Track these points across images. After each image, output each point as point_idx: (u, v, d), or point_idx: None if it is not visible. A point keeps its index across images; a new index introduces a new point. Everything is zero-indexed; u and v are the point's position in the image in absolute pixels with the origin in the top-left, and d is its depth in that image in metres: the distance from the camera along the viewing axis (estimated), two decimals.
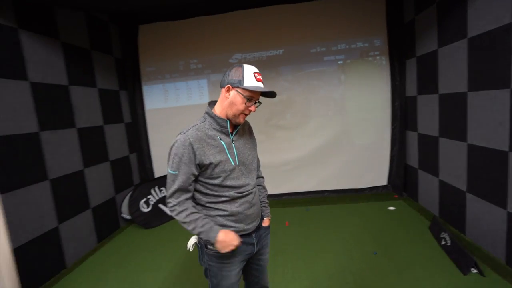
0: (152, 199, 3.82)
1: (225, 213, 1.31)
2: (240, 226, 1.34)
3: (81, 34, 3.34)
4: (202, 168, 1.26)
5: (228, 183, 1.29)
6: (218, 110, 1.32)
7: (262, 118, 4.20)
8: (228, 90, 1.28)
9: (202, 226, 1.24)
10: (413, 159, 3.76)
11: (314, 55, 4.05)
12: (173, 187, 1.24)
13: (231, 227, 1.32)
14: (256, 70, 1.30)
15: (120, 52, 4.11)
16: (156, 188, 3.91)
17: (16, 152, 2.42)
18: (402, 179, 3.97)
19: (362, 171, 4.19)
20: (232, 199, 1.31)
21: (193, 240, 1.41)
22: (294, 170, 4.26)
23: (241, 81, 1.25)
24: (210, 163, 1.25)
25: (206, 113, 1.33)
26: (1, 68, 2.33)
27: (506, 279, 2.11)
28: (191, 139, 1.23)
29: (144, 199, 3.74)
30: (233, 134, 1.35)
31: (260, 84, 1.28)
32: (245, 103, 1.27)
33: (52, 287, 2.54)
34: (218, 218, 1.31)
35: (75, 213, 3.01)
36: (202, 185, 1.30)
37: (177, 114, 4.31)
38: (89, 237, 3.22)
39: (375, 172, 4.19)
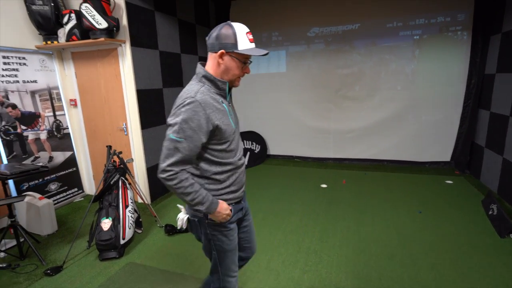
0: None
1: (227, 184, 1.27)
2: (237, 194, 1.32)
3: (190, 11, 4.16)
4: (212, 133, 1.17)
5: (232, 146, 1.26)
6: (213, 73, 1.21)
7: (332, 88, 4.62)
8: (221, 56, 1.15)
9: (204, 197, 1.18)
10: (481, 137, 3.80)
11: (390, 29, 4.19)
12: (176, 156, 1.12)
13: (231, 198, 1.30)
14: (247, 29, 1.17)
15: (215, 25, 4.88)
16: None
17: (150, 102, 3.43)
18: (467, 156, 4.04)
19: (425, 145, 4.35)
20: (235, 169, 1.28)
21: (183, 215, 1.35)
22: (357, 138, 4.65)
23: (235, 44, 1.13)
24: (220, 127, 1.17)
25: (204, 76, 1.20)
26: (145, 40, 3.28)
27: None
28: (203, 104, 1.12)
29: None
30: (229, 96, 1.30)
31: (253, 45, 1.18)
32: (241, 67, 1.19)
33: (166, 199, 3.63)
34: (221, 191, 1.27)
35: None
36: (209, 153, 1.21)
37: (257, 80, 5.00)
38: None
39: (439, 147, 4.31)
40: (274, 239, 2.60)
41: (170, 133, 1.12)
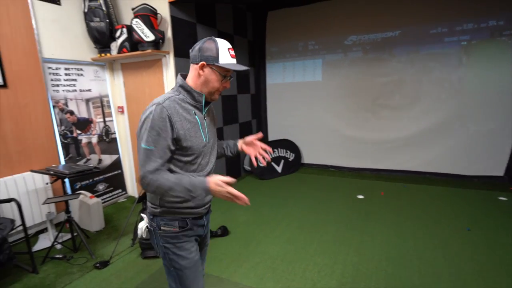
0: None
1: (184, 198, 1.15)
2: (196, 210, 1.25)
3: (228, 22, 4.33)
4: (176, 142, 1.14)
5: (199, 161, 1.22)
6: (192, 84, 1.20)
7: (369, 97, 4.50)
8: (202, 67, 1.16)
9: (189, 183, 1.10)
10: None
11: (434, 36, 4.01)
12: (150, 164, 1.09)
13: (187, 212, 1.23)
14: (229, 45, 1.19)
15: (252, 35, 5.03)
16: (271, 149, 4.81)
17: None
18: None
19: (474, 158, 4.05)
20: None
21: (143, 224, 1.31)
22: (396, 148, 4.46)
23: (216, 58, 1.14)
24: (186, 138, 1.15)
25: (181, 86, 1.20)
26: (185, 51, 3.46)
27: None
28: (169, 111, 1.11)
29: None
30: (206, 110, 1.26)
31: (234, 60, 1.20)
32: (221, 81, 1.19)
33: None
34: (176, 204, 1.21)
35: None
36: (173, 163, 1.18)
37: (293, 89, 5.03)
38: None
39: (490, 160, 3.99)
40: (310, 248, 2.56)
41: (142, 143, 1.10)
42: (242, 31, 4.70)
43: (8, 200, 2.38)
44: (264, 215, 3.31)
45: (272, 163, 4.77)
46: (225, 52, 1.15)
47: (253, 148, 1.46)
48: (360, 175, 4.59)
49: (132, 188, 4.10)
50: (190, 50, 1.20)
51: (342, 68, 4.64)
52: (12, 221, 2.32)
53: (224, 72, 1.17)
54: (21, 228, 2.40)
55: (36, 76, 2.98)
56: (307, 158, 5.18)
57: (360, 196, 3.72)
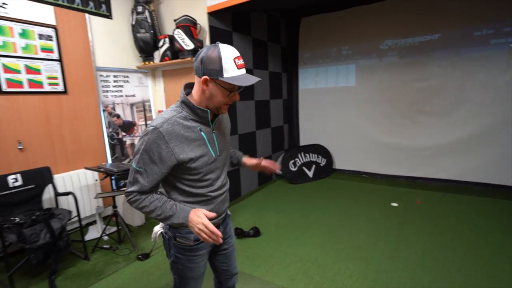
0: (299, 162, 4.78)
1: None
2: (213, 221, 1.14)
3: (262, 29, 4.46)
4: (180, 165, 1.09)
5: (208, 176, 1.16)
6: (196, 98, 1.11)
7: (405, 102, 4.37)
8: (205, 83, 1.05)
9: (170, 209, 1.09)
10: None
11: (478, 38, 3.82)
12: (135, 185, 1.07)
13: None
14: (236, 54, 1.07)
15: (285, 42, 5.13)
16: (302, 154, 4.84)
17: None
18: None
19: None
20: (209, 199, 1.20)
21: (158, 229, 1.31)
22: (435, 155, 4.28)
23: (219, 71, 1.02)
24: (191, 159, 1.09)
25: (182, 102, 1.12)
26: None
27: None
28: (167, 136, 1.04)
29: (293, 161, 4.74)
30: (214, 122, 1.17)
31: (242, 71, 1.07)
32: (228, 96, 1.09)
33: (236, 204, 3.87)
34: None
35: None
36: (179, 181, 1.14)
37: (325, 94, 5.03)
38: (253, 180, 4.48)
39: None
40: (341, 253, 2.57)
41: (133, 161, 1.08)
42: (275, 38, 4.81)
43: (67, 193, 2.68)
44: (295, 218, 3.35)
45: (303, 168, 4.80)
46: (230, 63, 1.03)
47: (263, 167, 1.43)
48: (395, 183, 4.46)
49: None
50: (194, 59, 1.11)
51: (376, 73, 4.56)
52: (70, 212, 2.60)
53: (229, 86, 1.05)
54: (74, 219, 2.68)
55: (90, 83, 3.31)
56: (339, 164, 5.13)
57: (394, 204, 3.62)
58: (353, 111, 4.83)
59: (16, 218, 2.38)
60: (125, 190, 1.13)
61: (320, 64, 5.02)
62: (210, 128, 1.16)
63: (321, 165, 4.92)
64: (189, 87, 1.17)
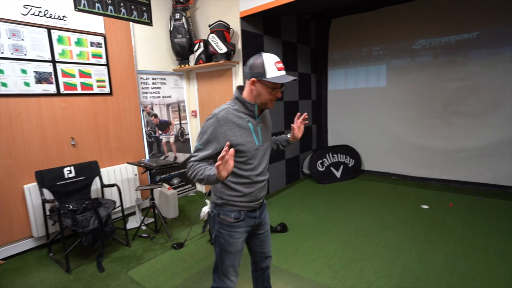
0: (326, 162, 4.81)
1: (240, 193, 1.41)
2: (250, 204, 1.45)
3: (292, 32, 4.56)
4: (232, 147, 1.27)
5: (252, 161, 1.39)
6: (246, 96, 1.38)
7: (440, 103, 4.25)
8: (253, 83, 1.33)
9: (204, 169, 1.28)
10: None
11: None
12: (195, 156, 1.34)
13: (242, 206, 1.43)
14: (276, 59, 1.33)
15: (314, 43, 5.18)
16: (330, 154, 4.87)
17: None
18: None
19: None
20: (251, 183, 1.42)
21: (206, 209, 1.61)
22: (470, 158, 4.12)
23: (263, 73, 1.29)
24: (239, 144, 1.33)
25: (236, 98, 1.39)
26: None
27: None
28: (222, 121, 1.31)
29: (320, 161, 4.78)
30: (259, 117, 1.44)
31: (282, 73, 1.32)
32: (271, 93, 1.35)
33: (267, 199, 3.99)
34: (233, 198, 1.41)
35: (277, 159, 4.41)
36: None
37: (354, 95, 5.01)
38: (281, 179, 4.58)
39: None
40: (367, 251, 2.60)
41: (196, 141, 1.38)
42: (305, 40, 4.89)
43: (112, 185, 2.97)
44: (322, 216, 3.41)
45: (331, 168, 4.82)
46: (271, 67, 1.30)
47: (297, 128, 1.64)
48: (426, 185, 4.34)
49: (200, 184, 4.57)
50: (244, 67, 1.42)
51: (408, 73, 4.47)
52: (114, 202, 2.88)
53: (272, 85, 1.32)
54: (117, 209, 2.96)
55: (132, 85, 3.62)
56: (367, 165, 5.08)
57: (425, 206, 3.55)
58: (383, 112, 4.77)
59: (70, 206, 2.70)
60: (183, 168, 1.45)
61: (350, 64, 5.01)
62: (256, 121, 1.42)
63: (349, 165, 4.91)
64: (240, 89, 1.43)
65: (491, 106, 3.91)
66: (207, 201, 1.64)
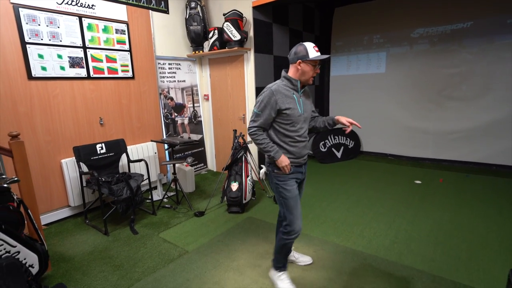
0: (328, 143, 5.17)
1: (287, 151, 1.81)
2: (296, 160, 1.84)
3: (298, 20, 4.81)
4: (280, 112, 1.74)
5: (295, 125, 1.79)
6: (292, 75, 1.80)
7: (434, 88, 4.59)
8: (299, 64, 1.73)
9: (272, 147, 1.77)
10: None
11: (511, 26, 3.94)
12: (256, 122, 1.77)
13: (292, 162, 1.82)
14: (313, 44, 1.75)
15: (318, 31, 5.43)
16: (332, 136, 5.22)
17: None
18: None
19: None
20: (295, 142, 1.81)
21: (263, 170, 1.98)
22: (460, 139, 4.50)
23: (306, 55, 1.70)
24: (286, 108, 1.73)
25: (284, 76, 1.82)
26: (264, 47, 4.07)
27: None
28: (275, 92, 1.74)
29: (323, 142, 5.14)
30: (301, 91, 1.84)
31: (319, 54, 1.73)
32: (313, 69, 1.75)
33: None
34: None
35: None
36: (277, 125, 1.79)
37: (355, 81, 5.32)
38: None
39: None
40: (367, 217, 3.00)
41: (254, 107, 1.80)
42: (310, 27, 5.14)
43: (139, 160, 3.30)
44: (326, 190, 3.79)
45: (333, 149, 5.18)
46: (311, 49, 1.72)
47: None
48: (420, 164, 4.73)
49: (211, 162, 4.92)
50: (288, 55, 1.83)
51: (407, 60, 4.78)
52: (142, 175, 3.22)
53: (313, 63, 1.74)
54: (143, 182, 3.29)
55: (151, 70, 3.89)
56: (366, 146, 5.46)
57: (418, 181, 3.94)
58: (382, 97, 5.10)
59: (102, 178, 3.03)
60: (248, 126, 1.83)
61: (352, 52, 5.29)
62: (299, 94, 1.83)
63: (349, 147, 5.27)
64: (285, 71, 1.85)
65: (482, 91, 4.26)
66: (263, 166, 2.00)
